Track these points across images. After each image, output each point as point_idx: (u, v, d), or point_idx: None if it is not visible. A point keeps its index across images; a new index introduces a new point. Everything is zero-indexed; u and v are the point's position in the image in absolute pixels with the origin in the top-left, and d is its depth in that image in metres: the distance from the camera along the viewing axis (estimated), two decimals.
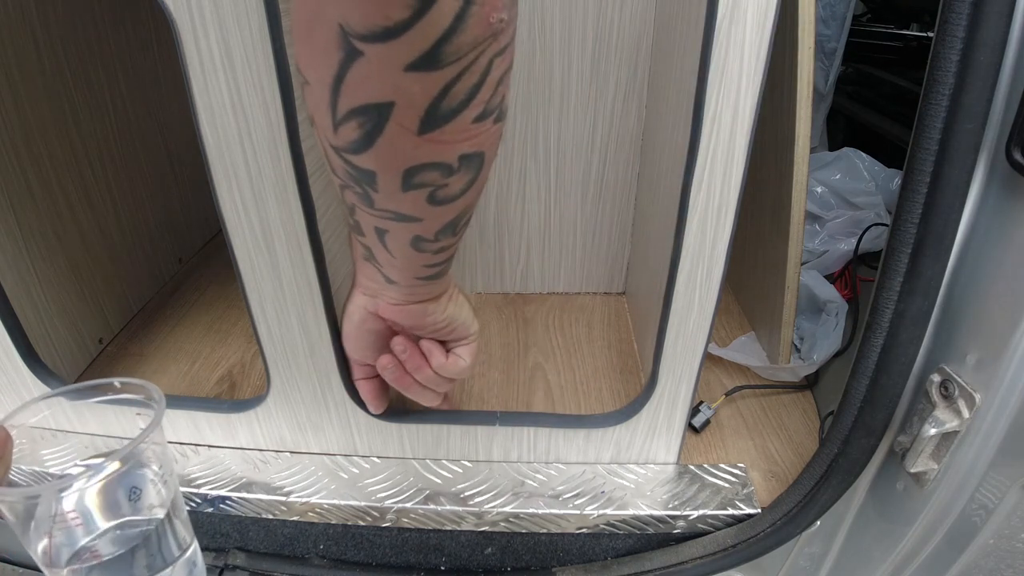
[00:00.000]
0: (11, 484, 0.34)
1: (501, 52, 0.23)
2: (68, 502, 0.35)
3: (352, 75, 0.22)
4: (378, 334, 0.49)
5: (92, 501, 0.35)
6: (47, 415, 0.39)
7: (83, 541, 0.35)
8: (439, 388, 0.50)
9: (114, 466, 0.32)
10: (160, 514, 0.36)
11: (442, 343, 0.49)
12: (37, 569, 0.34)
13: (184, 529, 0.39)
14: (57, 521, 0.34)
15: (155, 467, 0.36)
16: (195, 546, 0.40)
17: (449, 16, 0.20)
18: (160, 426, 0.35)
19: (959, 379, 0.51)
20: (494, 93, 0.24)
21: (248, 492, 0.68)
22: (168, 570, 0.37)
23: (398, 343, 0.48)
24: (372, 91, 0.23)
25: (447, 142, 0.24)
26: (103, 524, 0.35)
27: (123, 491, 0.35)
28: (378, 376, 0.54)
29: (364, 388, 0.59)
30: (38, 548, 0.34)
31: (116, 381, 0.40)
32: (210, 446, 0.73)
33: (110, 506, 0.35)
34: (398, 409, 0.66)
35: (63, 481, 0.35)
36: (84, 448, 0.73)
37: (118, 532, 0.35)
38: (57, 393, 0.41)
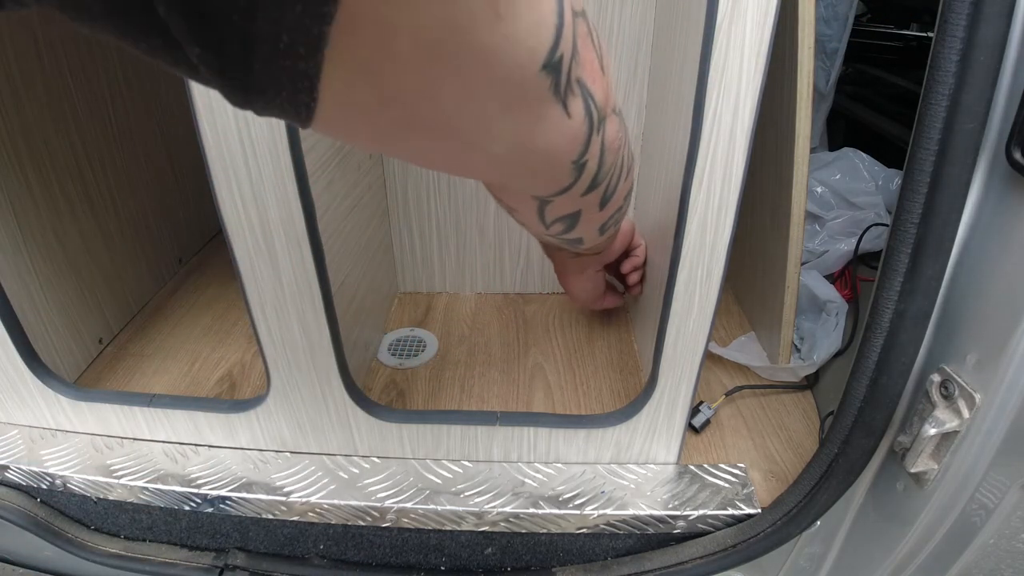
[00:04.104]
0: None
1: (625, 156, 0.41)
2: None
3: (548, 208, 0.38)
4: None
5: None
6: None
7: None
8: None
9: None
10: None
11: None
12: (37, 569, 0.34)
13: None
14: None
15: None
16: None
17: (595, 164, 0.34)
18: None
19: (959, 379, 0.51)
20: (630, 172, 0.44)
21: (248, 492, 0.68)
22: None
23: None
24: (565, 209, 0.39)
25: (614, 204, 0.43)
26: None
27: None
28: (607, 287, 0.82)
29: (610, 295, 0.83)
30: None
31: None
32: (210, 446, 0.74)
33: None
34: (398, 409, 0.66)
35: None
36: (83, 448, 0.74)
37: None
38: None
